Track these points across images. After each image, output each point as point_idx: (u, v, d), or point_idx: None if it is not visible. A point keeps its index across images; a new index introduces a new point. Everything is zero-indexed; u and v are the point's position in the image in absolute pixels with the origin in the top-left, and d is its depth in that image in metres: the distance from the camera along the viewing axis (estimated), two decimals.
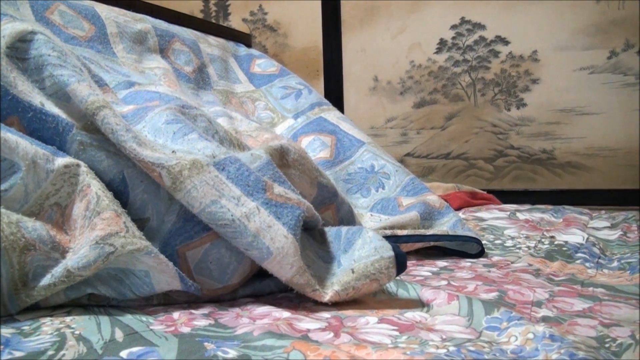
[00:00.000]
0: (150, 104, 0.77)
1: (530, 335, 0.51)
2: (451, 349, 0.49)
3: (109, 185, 0.67)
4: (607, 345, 0.52)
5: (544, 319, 0.59)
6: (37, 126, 0.68)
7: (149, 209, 0.67)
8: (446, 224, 1.05)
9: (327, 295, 0.63)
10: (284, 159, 0.77)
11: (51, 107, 0.69)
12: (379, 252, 0.64)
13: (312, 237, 0.74)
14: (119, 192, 0.67)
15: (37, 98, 0.69)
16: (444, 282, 0.75)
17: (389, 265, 0.64)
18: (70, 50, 0.79)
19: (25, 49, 0.72)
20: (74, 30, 1.05)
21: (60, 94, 0.70)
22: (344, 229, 0.72)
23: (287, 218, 0.64)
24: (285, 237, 0.62)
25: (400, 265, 0.64)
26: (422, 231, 0.99)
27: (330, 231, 0.74)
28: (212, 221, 0.63)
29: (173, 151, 0.67)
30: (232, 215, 0.62)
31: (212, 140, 0.72)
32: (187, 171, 0.63)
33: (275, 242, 0.62)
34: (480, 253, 0.99)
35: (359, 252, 0.66)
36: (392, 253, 0.64)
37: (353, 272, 0.64)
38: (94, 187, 0.63)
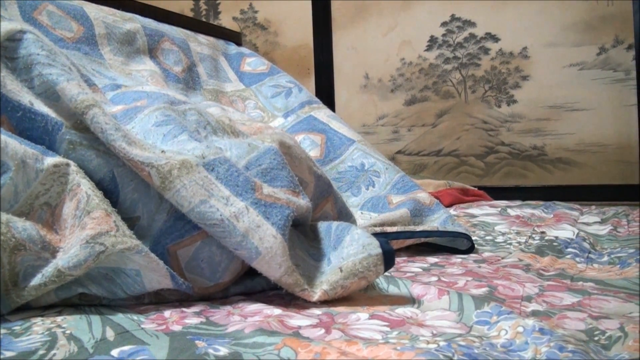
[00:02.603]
0: (138, 103, 0.77)
1: (520, 329, 0.51)
2: (442, 343, 0.49)
3: (99, 184, 0.66)
4: (596, 338, 0.52)
5: (534, 313, 0.60)
6: (27, 125, 0.68)
7: (139, 207, 0.66)
8: (436, 221, 1.05)
9: (316, 295, 0.63)
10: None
11: (40, 106, 0.69)
12: (367, 249, 0.64)
13: (303, 233, 0.74)
14: (109, 191, 0.67)
15: (26, 97, 0.69)
16: (435, 278, 0.75)
17: (377, 263, 0.64)
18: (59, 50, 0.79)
19: (14, 48, 0.71)
20: (62, 31, 1.05)
21: (49, 93, 0.70)
22: (334, 224, 0.72)
23: (276, 218, 0.64)
24: (274, 237, 0.62)
25: (388, 261, 0.64)
26: (411, 227, 1.00)
27: (322, 227, 0.74)
28: (202, 221, 0.62)
29: (162, 151, 0.67)
30: (221, 215, 0.62)
31: (203, 140, 0.72)
32: (177, 171, 0.63)
33: (264, 242, 0.62)
34: (471, 249, 0.99)
35: (347, 249, 0.66)
36: (379, 250, 0.64)
37: (341, 270, 0.64)
38: (83, 187, 0.63)
